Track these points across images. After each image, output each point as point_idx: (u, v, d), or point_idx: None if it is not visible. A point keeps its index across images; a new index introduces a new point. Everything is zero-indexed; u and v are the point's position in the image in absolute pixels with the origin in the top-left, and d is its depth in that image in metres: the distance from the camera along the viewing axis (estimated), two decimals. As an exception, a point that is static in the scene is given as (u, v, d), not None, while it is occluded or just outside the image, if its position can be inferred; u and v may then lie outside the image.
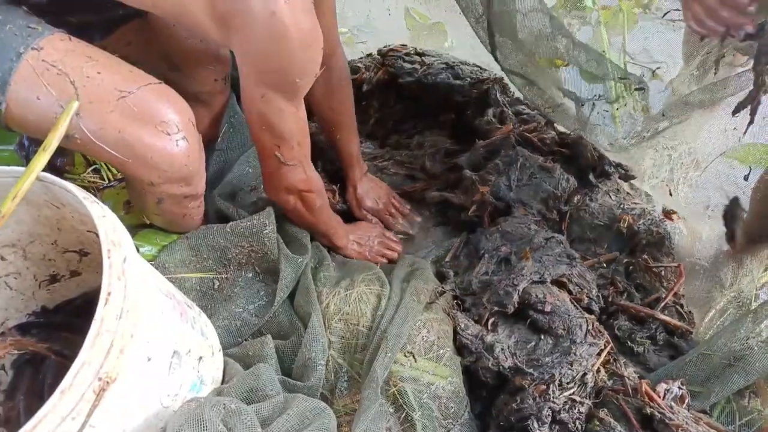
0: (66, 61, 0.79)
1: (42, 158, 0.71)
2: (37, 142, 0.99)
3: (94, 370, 0.60)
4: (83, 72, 0.79)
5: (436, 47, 1.85)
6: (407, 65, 1.57)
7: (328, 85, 1.23)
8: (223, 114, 1.28)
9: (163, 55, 1.11)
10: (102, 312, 0.61)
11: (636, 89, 1.44)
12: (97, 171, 1.22)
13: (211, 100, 1.22)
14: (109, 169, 1.22)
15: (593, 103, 1.50)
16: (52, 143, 0.73)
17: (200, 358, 0.87)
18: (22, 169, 0.71)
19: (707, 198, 1.45)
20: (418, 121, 1.63)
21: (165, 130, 0.84)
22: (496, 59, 1.36)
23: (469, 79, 1.53)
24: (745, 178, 1.31)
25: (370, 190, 1.41)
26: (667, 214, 1.31)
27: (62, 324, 0.94)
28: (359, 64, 1.63)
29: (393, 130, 1.65)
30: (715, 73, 1.28)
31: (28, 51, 0.77)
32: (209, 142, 1.30)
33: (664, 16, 1.68)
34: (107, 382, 0.62)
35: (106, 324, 0.61)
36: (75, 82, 0.78)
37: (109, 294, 0.62)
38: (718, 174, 1.50)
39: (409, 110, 1.63)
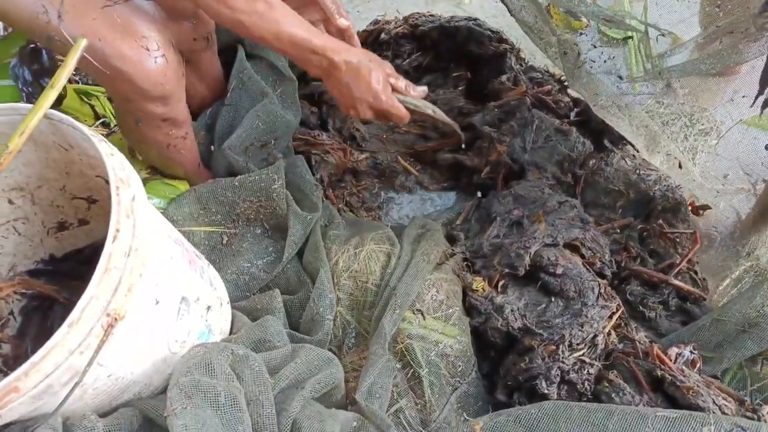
0: None
1: (50, 94, 0.69)
2: (36, 80, 0.97)
3: (102, 306, 0.59)
4: None
5: (452, 4, 1.82)
6: (430, 18, 1.54)
7: None
8: (212, 74, 1.26)
9: None
10: (110, 248, 0.60)
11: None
12: (106, 125, 1.21)
13: (195, 60, 1.20)
14: (114, 116, 1.20)
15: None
16: (60, 80, 0.71)
17: (208, 307, 0.86)
18: (29, 106, 0.69)
19: (725, 167, 1.42)
20: (432, 77, 1.60)
21: (144, 45, 0.84)
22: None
23: (489, 33, 1.50)
24: (767, 147, 1.28)
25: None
26: (697, 209, 1.26)
27: (70, 272, 0.93)
28: (379, 17, 1.61)
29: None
30: (720, 42, 1.25)
31: None
32: (203, 101, 1.28)
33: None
34: (115, 319, 0.61)
35: (114, 260, 0.60)
36: None
37: (117, 231, 0.61)
38: (737, 143, 1.47)
39: (424, 63, 1.60)
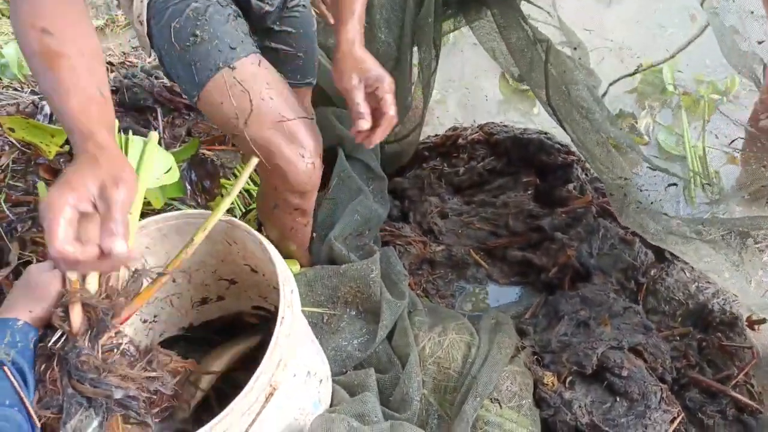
0: (250, 83, 1.01)
1: (226, 201, 0.90)
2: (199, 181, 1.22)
3: (268, 378, 0.75)
4: (260, 94, 1.02)
5: (523, 113, 2.03)
6: (504, 128, 1.75)
7: None
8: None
9: None
10: (278, 332, 0.77)
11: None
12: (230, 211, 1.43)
13: None
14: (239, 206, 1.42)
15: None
16: (235, 189, 0.91)
17: (321, 380, 1.01)
18: (196, 211, 0.90)
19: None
20: (504, 180, 1.77)
21: (301, 153, 1.07)
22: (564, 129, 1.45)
23: (558, 145, 1.68)
24: None
25: (363, 59, 1.03)
26: (752, 323, 1.33)
27: (204, 339, 1.11)
28: (457, 124, 1.83)
29: (479, 188, 1.80)
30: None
31: (225, 68, 1.00)
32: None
33: (731, 143, 1.75)
34: (274, 389, 0.77)
35: (279, 341, 0.77)
36: (252, 101, 1.01)
37: (283, 318, 0.78)
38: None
39: (497, 168, 1.79)
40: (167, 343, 1.10)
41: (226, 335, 1.12)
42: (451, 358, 1.19)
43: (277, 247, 1.31)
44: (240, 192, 1.49)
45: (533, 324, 1.41)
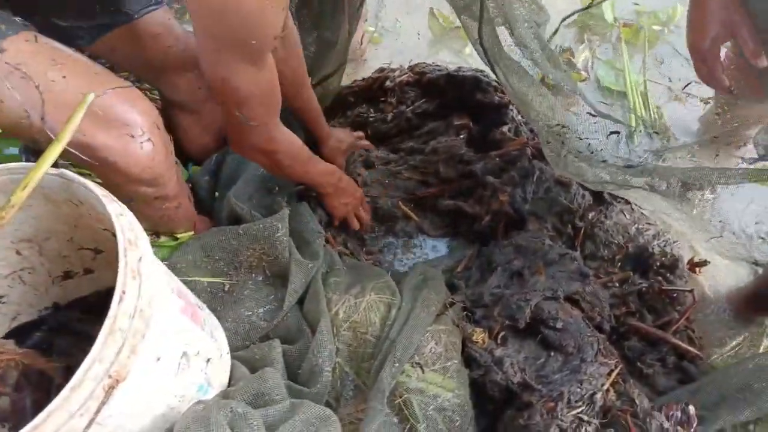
0: (30, 64, 0.77)
1: (55, 149, 0.71)
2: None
3: (105, 368, 0.60)
4: (48, 76, 0.78)
5: (456, 52, 1.87)
6: (437, 67, 1.60)
7: (286, 48, 1.18)
8: (217, 122, 1.29)
9: (146, 63, 1.13)
10: (115, 310, 0.61)
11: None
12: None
13: (199, 108, 1.23)
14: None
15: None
16: (65, 135, 0.73)
17: (208, 360, 0.87)
18: (22, 164, 0.72)
19: (721, 224, 1.44)
20: (435, 124, 1.62)
21: (129, 133, 0.84)
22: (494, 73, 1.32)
23: (495, 83, 1.54)
24: None
25: (342, 138, 1.48)
26: (694, 266, 1.27)
27: (74, 320, 0.94)
28: (384, 65, 1.67)
29: (408, 134, 1.65)
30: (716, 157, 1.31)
31: None
32: (207, 149, 1.31)
33: (684, 88, 1.68)
34: (117, 381, 0.62)
35: (119, 322, 0.61)
36: (39, 86, 0.77)
37: (123, 293, 0.63)
38: (731, 198, 1.49)
39: (429, 110, 1.64)
40: (27, 328, 0.93)
41: (101, 313, 0.96)
42: (369, 322, 1.06)
43: (157, 233, 1.15)
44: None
45: (465, 278, 1.29)
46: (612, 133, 1.63)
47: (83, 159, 0.81)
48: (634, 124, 1.64)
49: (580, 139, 1.37)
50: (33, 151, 0.89)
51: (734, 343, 1.18)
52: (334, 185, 1.26)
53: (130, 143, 0.84)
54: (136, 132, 0.84)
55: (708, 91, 1.65)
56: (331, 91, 1.63)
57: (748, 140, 1.59)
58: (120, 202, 0.71)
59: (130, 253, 0.65)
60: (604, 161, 1.16)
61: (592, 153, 1.20)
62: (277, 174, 1.16)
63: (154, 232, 1.10)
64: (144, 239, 0.70)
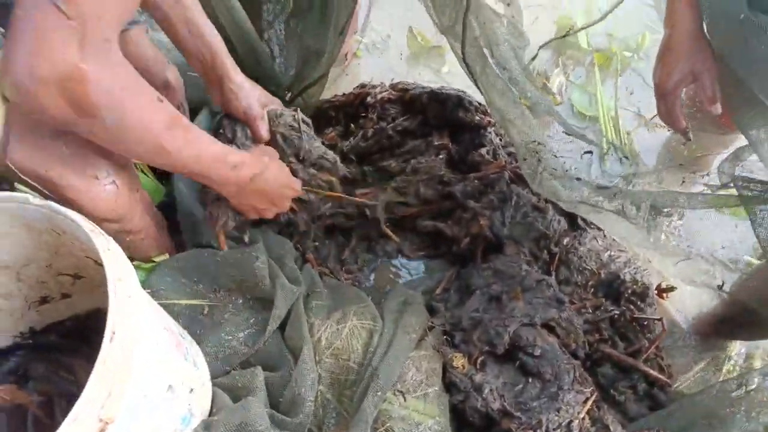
0: None
1: None
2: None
3: (96, 413, 0.59)
4: (11, 107, 0.73)
5: (432, 71, 1.89)
6: (420, 85, 1.61)
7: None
8: None
9: None
10: (106, 351, 0.60)
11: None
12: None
13: None
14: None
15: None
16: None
17: (191, 389, 0.85)
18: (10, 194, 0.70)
19: (686, 249, 1.50)
20: (416, 144, 1.63)
21: (93, 174, 0.81)
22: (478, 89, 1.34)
23: (476, 104, 1.56)
24: None
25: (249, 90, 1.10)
26: (661, 291, 1.31)
27: (51, 345, 0.91)
28: (365, 82, 1.67)
29: (389, 152, 1.66)
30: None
31: None
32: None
33: (652, 118, 1.75)
34: (106, 423, 0.60)
35: (110, 364, 0.60)
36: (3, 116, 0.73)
37: (113, 332, 0.61)
38: (699, 222, 1.56)
39: (410, 128, 1.64)
40: (1, 354, 0.90)
41: (79, 338, 0.93)
42: (351, 349, 1.06)
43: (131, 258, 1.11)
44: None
45: (444, 300, 1.31)
46: (586, 152, 1.69)
47: (47, 195, 0.78)
48: (605, 146, 1.69)
49: (556, 156, 1.41)
50: None
51: (698, 367, 1.24)
52: (239, 183, 0.93)
53: (93, 185, 0.81)
54: (101, 174, 0.82)
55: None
56: (312, 103, 1.63)
57: (711, 168, 1.66)
58: (106, 236, 0.69)
59: (119, 290, 0.64)
60: (578, 179, 1.20)
61: (566, 171, 1.24)
62: (156, 153, 0.78)
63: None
64: (132, 274, 0.69)
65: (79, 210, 0.79)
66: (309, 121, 1.19)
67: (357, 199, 1.36)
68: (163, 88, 1.15)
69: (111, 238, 0.70)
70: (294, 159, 1.14)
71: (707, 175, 1.63)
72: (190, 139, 0.79)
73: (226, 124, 1.10)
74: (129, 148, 0.74)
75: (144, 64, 1.11)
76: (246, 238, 1.14)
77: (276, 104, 1.14)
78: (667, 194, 1.00)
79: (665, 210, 1.42)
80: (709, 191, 1.38)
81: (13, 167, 0.74)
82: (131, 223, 0.92)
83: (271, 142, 1.12)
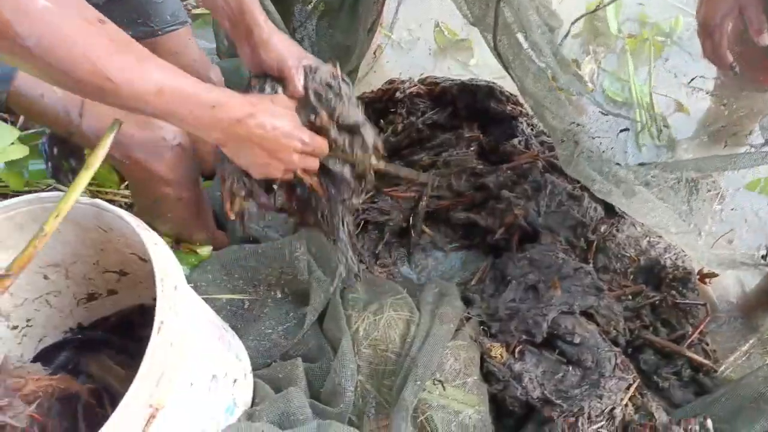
0: None
1: (85, 176, 0.72)
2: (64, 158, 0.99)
3: (146, 400, 0.61)
4: None
5: (460, 64, 1.89)
6: (450, 79, 1.61)
7: None
8: None
9: None
10: (155, 341, 0.62)
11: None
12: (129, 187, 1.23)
13: None
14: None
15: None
16: (94, 163, 0.73)
17: (235, 380, 0.87)
18: (52, 194, 0.73)
19: (730, 234, 1.46)
20: (446, 137, 1.63)
21: (161, 135, 0.88)
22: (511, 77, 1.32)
23: (508, 94, 1.55)
24: None
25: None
26: (704, 277, 1.28)
27: (98, 341, 0.94)
28: (393, 78, 1.68)
29: (419, 146, 1.66)
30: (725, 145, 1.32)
31: None
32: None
33: (690, 82, 1.71)
34: (156, 409, 0.62)
35: (158, 354, 0.62)
36: None
37: (162, 323, 0.63)
38: (740, 207, 1.51)
39: (439, 121, 1.64)
40: (52, 350, 0.93)
41: (123, 334, 0.96)
42: (389, 339, 1.07)
43: (179, 240, 1.16)
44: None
45: (480, 291, 1.30)
46: (622, 130, 1.66)
47: (115, 158, 0.84)
48: (643, 121, 1.66)
49: (593, 138, 1.39)
50: (58, 141, 0.89)
51: (744, 348, 1.20)
52: (223, 128, 0.77)
53: (160, 144, 0.87)
54: (168, 135, 0.88)
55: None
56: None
57: (754, 127, 1.60)
58: (153, 231, 0.71)
59: (166, 283, 0.66)
60: (617, 163, 1.18)
61: (602, 152, 1.21)
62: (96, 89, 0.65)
63: (175, 240, 1.11)
64: (177, 267, 0.71)
65: (148, 169, 0.88)
66: (350, 81, 0.98)
67: (404, 172, 1.23)
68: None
69: (157, 235, 0.72)
70: (326, 117, 0.92)
71: (750, 134, 1.57)
72: (146, 69, 0.66)
73: (255, 82, 0.94)
74: (64, 80, 0.63)
75: (189, 62, 1.15)
76: (260, 225, 1.13)
77: (312, 60, 0.95)
78: (710, 159, 0.98)
79: (707, 187, 1.39)
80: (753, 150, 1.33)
81: (85, 131, 0.80)
82: (190, 189, 0.98)
83: (303, 101, 0.92)
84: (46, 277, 0.84)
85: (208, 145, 1.27)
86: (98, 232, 0.78)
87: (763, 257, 1.24)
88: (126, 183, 1.23)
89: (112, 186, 1.19)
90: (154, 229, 1.10)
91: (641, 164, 1.03)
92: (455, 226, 1.48)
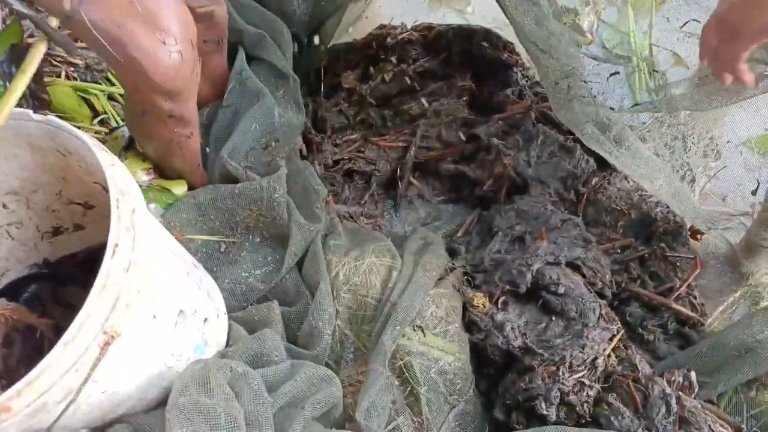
0: None
1: (21, 82, 0.68)
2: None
3: (99, 324, 0.57)
4: None
5: (456, 12, 1.81)
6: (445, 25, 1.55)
7: None
8: (220, 77, 1.24)
9: None
10: (109, 263, 0.58)
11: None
12: (104, 123, 1.18)
13: (202, 61, 1.17)
14: (116, 117, 1.18)
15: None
16: (30, 68, 0.69)
17: (205, 319, 0.84)
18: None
19: (724, 189, 1.42)
20: (437, 86, 1.57)
21: (162, 39, 0.82)
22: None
23: (505, 40, 1.50)
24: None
25: None
26: (695, 232, 1.25)
27: (65, 276, 0.91)
28: (385, 23, 1.61)
29: (409, 95, 1.60)
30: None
31: None
32: (205, 100, 1.26)
33: (682, 27, 1.64)
34: (112, 336, 0.59)
35: (113, 276, 0.58)
36: None
37: (116, 245, 0.59)
38: (736, 164, 1.47)
39: (430, 68, 1.58)
40: (19, 284, 0.90)
41: (91, 270, 0.93)
42: (369, 284, 1.04)
43: (159, 166, 1.11)
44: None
45: (465, 242, 1.27)
46: (613, 74, 1.61)
47: (110, 54, 0.79)
48: (635, 63, 1.60)
49: (585, 82, 1.35)
50: (15, 59, 0.85)
51: (731, 300, 1.17)
52: None
53: (160, 48, 0.82)
54: (170, 40, 0.83)
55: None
56: (328, 42, 1.57)
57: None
58: (111, 153, 0.67)
59: (122, 204, 0.62)
60: (611, 108, 1.13)
61: (595, 97, 1.17)
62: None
63: (155, 165, 1.06)
64: (136, 190, 0.67)
65: (144, 72, 0.82)
66: None
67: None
68: (205, 19, 1.12)
69: (115, 157, 0.68)
70: None
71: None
72: None
73: None
74: None
75: None
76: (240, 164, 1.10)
77: None
78: (706, 92, 0.93)
79: (704, 143, 1.35)
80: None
81: (85, 17, 0.74)
82: (185, 106, 0.94)
83: None
84: (5, 207, 0.80)
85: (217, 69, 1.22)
86: (56, 155, 0.74)
87: (752, 192, 1.20)
88: (99, 118, 1.18)
89: (84, 121, 1.14)
90: (138, 147, 1.07)
91: (636, 104, 0.98)
92: (444, 178, 1.44)
